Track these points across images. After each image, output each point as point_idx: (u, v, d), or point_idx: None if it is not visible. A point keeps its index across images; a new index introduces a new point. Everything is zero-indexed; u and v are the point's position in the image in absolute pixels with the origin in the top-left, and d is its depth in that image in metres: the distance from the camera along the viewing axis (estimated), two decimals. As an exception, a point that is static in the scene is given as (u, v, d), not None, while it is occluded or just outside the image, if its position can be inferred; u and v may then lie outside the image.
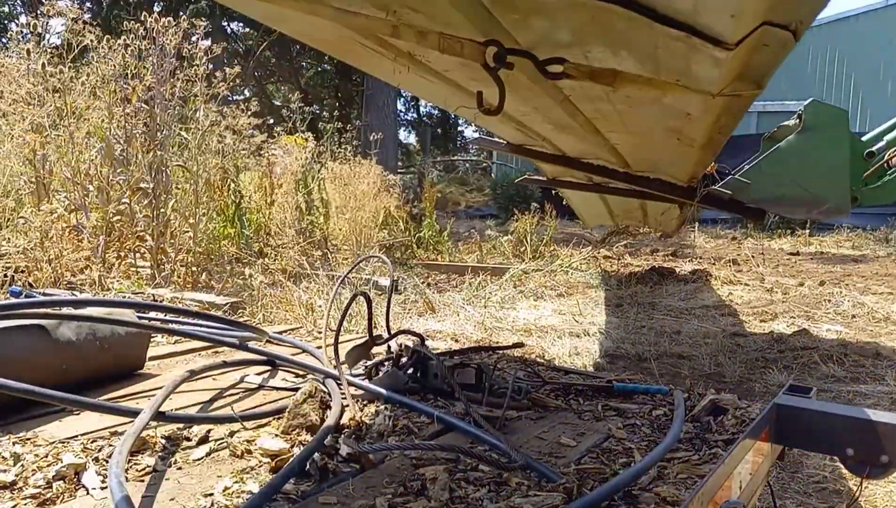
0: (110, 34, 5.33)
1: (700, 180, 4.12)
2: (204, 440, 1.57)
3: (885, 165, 4.10)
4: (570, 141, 3.49)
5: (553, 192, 8.00)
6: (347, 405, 1.71)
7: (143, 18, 5.19)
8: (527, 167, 19.63)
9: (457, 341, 4.15)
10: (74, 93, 5.29)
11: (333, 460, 1.44)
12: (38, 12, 5.30)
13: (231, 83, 5.70)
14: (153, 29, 5.19)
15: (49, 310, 1.93)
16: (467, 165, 28.38)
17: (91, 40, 5.19)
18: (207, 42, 5.68)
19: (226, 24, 24.84)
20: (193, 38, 5.42)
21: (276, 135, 7.92)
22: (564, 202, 7.54)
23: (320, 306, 4.71)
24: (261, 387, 2.03)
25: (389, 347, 2.14)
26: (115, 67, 5.12)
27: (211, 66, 5.66)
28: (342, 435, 1.56)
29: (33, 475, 1.35)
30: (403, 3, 1.63)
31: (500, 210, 17.08)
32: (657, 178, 4.09)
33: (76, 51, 5.30)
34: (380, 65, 2.46)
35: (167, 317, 2.83)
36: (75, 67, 5.43)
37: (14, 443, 1.51)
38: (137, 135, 5.30)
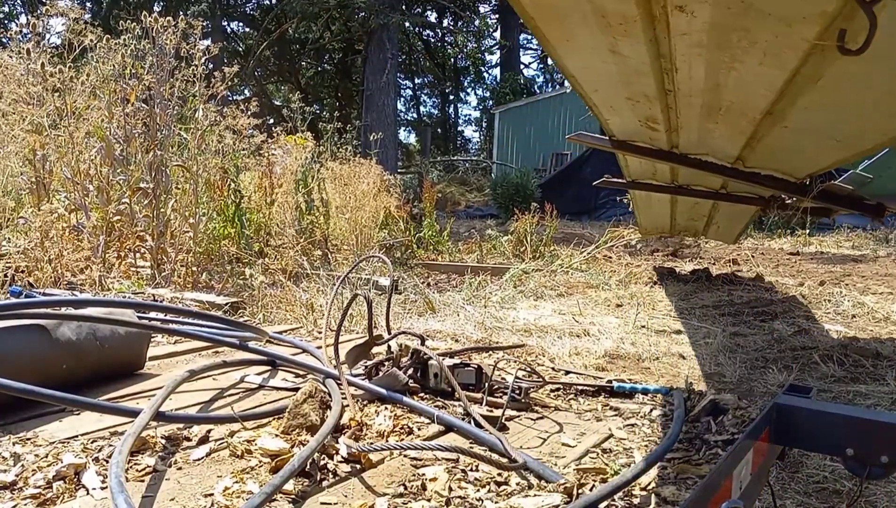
0: (110, 34, 5.33)
1: (815, 177, 4.04)
2: (204, 440, 1.57)
3: None
4: (701, 130, 3.43)
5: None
6: (347, 405, 1.71)
7: (141, 18, 5.19)
8: (526, 167, 19.64)
9: (457, 341, 4.14)
10: (74, 93, 5.28)
11: (333, 460, 1.44)
12: (38, 12, 5.30)
13: (230, 82, 5.69)
14: (152, 29, 5.19)
15: (49, 310, 1.93)
16: (467, 165, 28.40)
17: (91, 40, 5.19)
18: (207, 42, 5.68)
19: (226, 23, 24.86)
20: (192, 38, 5.41)
21: (275, 135, 7.91)
22: (631, 208, 7.57)
23: (320, 306, 4.71)
24: (261, 387, 2.03)
25: (389, 347, 2.14)
26: (114, 66, 5.12)
27: (211, 65, 5.66)
28: (342, 435, 1.56)
29: (33, 475, 1.35)
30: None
31: (500, 210, 17.09)
32: (768, 174, 4.05)
33: (76, 51, 5.30)
34: (580, 39, 2.43)
35: (167, 317, 2.84)
36: (75, 66, 5.43)
37: (14, 443, 1.51)
38: (137, 135, 5.31)
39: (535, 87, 31.95)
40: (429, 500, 1.28)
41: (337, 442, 1.50)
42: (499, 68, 32.88)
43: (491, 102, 29.50)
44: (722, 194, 5.02)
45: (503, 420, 1.73)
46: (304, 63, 29.57)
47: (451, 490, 1.32)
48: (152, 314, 2.68)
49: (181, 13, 6.06)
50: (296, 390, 1.91)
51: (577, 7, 2.14)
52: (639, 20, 2.09)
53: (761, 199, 4.92)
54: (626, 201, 7.34)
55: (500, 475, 1.40)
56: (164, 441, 1.54)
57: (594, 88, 3.11)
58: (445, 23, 31.68)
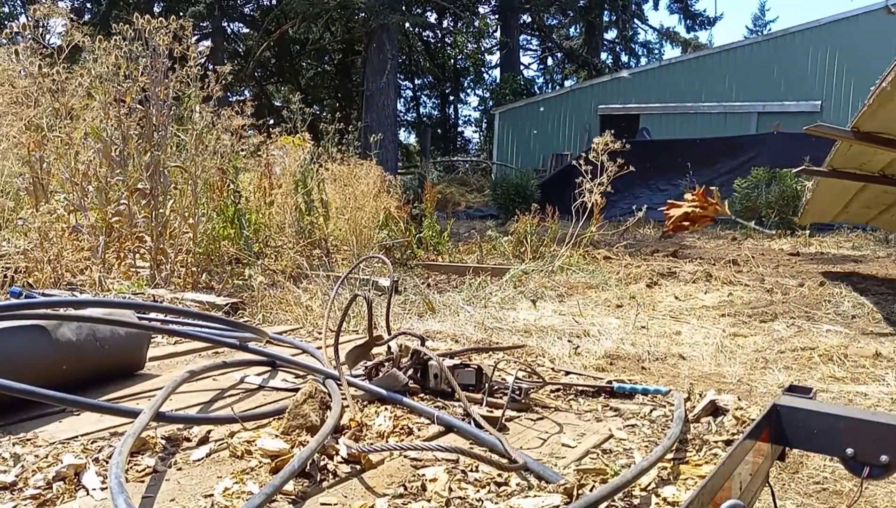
0: (110, 35, 5.32)
1: None
2: (204, 440, 1.56)
3: None
4: None
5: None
6: (347, 406, 1.70)
7: (133, 20, 5.18)
8: (526, 167, 19.64)
9: (457, 341, 4.15)
10: (69, 94, 5.28)
11: (333, 460, 1.44)
12: (33, 13, 5.30)
13: (224, 81, 5.66)
14: (144, 30, 5.17)
15: (49, 310, 1.93)
16: (467, 165, 28.40)
17: (81, 41, 5.18)
18: (207, 42, 5.68)
19: (226, 24, 24.84)
20: (186, 40, 5.39)
21: (273, 135, 7.90)
22: (807, 196, 7.85)
23: (320, 307, 4.71)
24: (261, 388, 2.03)
25: (389, 347, 2.14)
26: (108, 67, 5.11)
27: (210, 66, 5.65)
28: (342, 436, 1.56)
29: (33, 475, 1.35)
30: None
31: (500, 211, 17.08)
32: None
33: (66, 51, 5.29)
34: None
35: (167, 318, 2.83)
36: (70, 67, 5.43)
37: (14, 443, 1.51)
38: (133, 136, 5.30)
39: (535, 87, 31.97)
40: (429, 501, 1.28)
41: (337, 443, 1.50)
42: (498, 69, 32.88)
43: (491, 103, 29.49)
44: None
45: (503, 421, 1.73)
46: (304, 64, 29.59)
47: (451, 490, 1.32)
48: (152, 315, 2.67)
49: (181, 14, 6.05)
50: (296, 390, 1.91)
51: None
52: None
53: None
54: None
55: (500, 475, 1.40)
56: (164, 442, 1.54)
57: None
58: (445, 23, 31.68)
